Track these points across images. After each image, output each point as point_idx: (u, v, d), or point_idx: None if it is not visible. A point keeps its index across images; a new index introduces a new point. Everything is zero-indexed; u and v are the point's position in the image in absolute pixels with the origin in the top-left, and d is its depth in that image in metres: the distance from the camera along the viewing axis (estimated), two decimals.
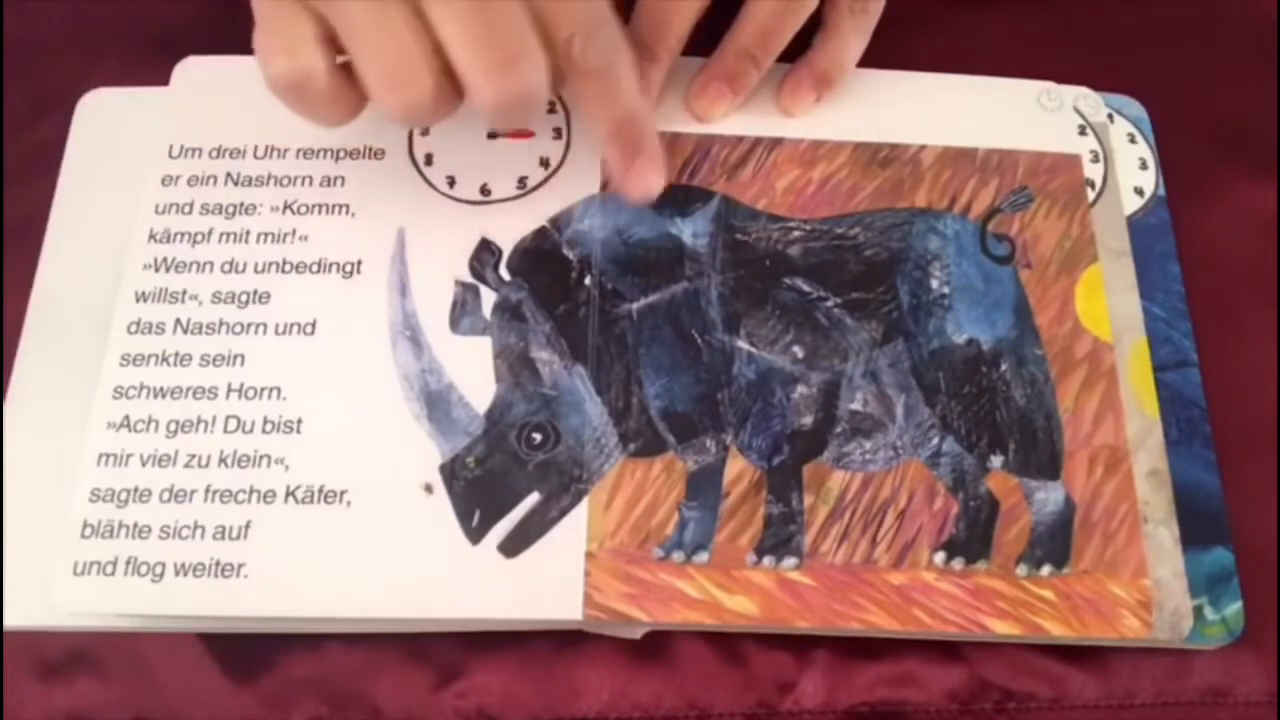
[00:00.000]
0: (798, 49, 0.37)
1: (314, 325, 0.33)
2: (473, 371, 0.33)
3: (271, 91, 0.29)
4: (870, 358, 0.34)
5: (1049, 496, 0.33)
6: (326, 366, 0.33)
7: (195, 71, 0.37)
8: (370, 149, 0.36)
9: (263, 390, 0.33)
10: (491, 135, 0.36)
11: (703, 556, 0.31)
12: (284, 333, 0.33)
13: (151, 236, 0.34)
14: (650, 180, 0.34)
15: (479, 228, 0.35)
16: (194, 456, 0.32)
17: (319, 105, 0.30)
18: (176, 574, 0.30)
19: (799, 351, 0.34)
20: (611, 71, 0.31)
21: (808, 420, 0.33)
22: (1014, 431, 0.33)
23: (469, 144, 0.36)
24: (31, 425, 0.33)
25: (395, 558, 0.31)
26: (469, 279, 0.34)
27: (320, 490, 0.31)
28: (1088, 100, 0.38)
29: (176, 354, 0.33)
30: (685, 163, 0.36)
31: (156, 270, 0.34)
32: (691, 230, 0.35)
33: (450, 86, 0.29)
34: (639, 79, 0.34)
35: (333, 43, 0.29)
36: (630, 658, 0.32)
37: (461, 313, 0.34)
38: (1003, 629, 0.31)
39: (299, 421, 0.32)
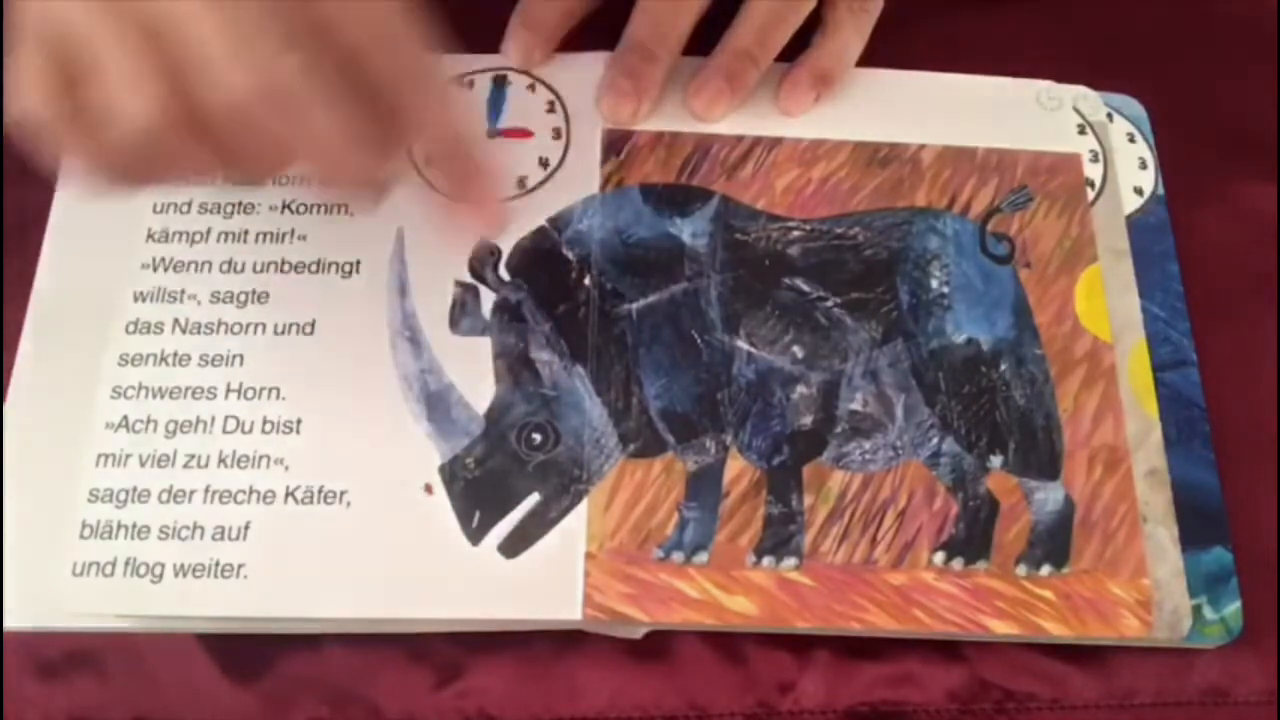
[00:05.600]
0: (797, 49, 0.37)
1: (313, 325, 0.33)
2: (472, 372, 0.33)
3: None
4: (870, 358, 0.34)
5: (1048, 496, 0.33)
6: (326, 367, 0.33)
7: None
8: None
9: (262, 390, 0.33)
10: (491, 134, 0.36)
11: (702, 557, 0.31)
12: (283, 333, 0.33)
13: (150, 236, 0.34)
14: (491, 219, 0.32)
15: None
16: (193, 457, 0.32)
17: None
18: (176, 574, 0.30)
19: (799, 351, 0.34)
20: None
21: (807, 420, 0.33)
22: (1013, 431, 0.33)
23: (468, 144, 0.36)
24: (31, 425, 0.33)
25: (395, 558, 0.31)
26: (469, 279, 0.34)
27: (320, 491, 0.31)
28: (1087, 100, 0.38)
29: (175, 354, 0.33)
30: (685, 162, 0.36)
31: (155, 270, 0.34)
32: (691, 230, 0.35)
33: None
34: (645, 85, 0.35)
35: None
36: (630, 658, 0.32)
37: (461, 313, 0.34)
38: (1002, 629, 0.31)
39: (298, 422, 0.32)
